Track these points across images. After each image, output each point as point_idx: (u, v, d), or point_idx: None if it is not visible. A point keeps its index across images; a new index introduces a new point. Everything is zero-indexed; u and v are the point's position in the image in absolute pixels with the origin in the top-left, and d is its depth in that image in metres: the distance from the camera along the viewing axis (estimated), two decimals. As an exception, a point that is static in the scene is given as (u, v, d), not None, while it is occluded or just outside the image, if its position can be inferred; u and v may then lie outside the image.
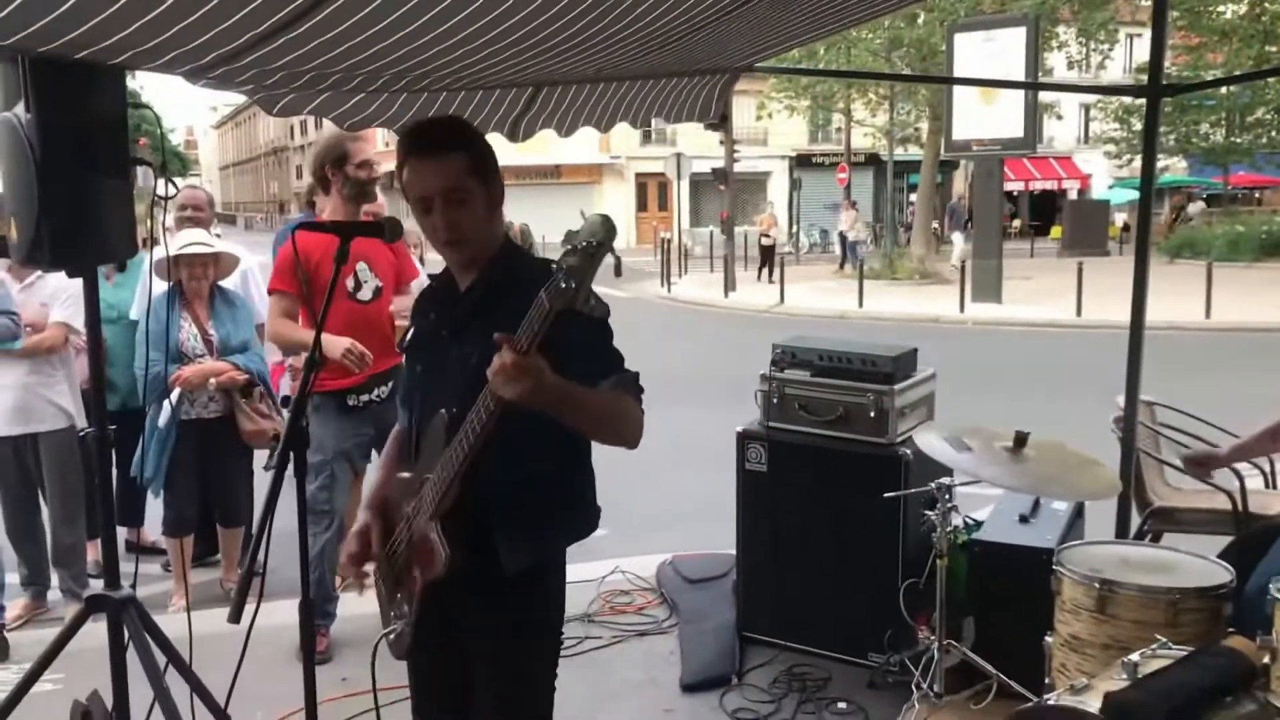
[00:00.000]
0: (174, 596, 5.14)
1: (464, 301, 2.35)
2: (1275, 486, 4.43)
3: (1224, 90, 32.24)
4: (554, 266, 1.82)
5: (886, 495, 3.80)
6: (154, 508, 5.22)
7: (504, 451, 2.13)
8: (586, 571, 5.10)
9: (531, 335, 1.87)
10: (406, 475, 2.40)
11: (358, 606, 4.36)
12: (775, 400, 4.23)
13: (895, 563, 3.98)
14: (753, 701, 3.89)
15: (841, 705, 3.84)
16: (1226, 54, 28.17)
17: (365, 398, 4.32)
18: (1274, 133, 33.54)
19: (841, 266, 27.54)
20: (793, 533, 4.20)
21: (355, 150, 4.39)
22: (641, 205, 41.58)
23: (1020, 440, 3.33)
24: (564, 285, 1.79)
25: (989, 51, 19.17)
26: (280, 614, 3.80)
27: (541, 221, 26.88)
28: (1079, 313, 16.90)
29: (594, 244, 1.80)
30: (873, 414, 4.04)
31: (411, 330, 2.54)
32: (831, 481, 4.11)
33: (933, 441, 3.42)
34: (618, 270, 1.93)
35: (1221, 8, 28.39)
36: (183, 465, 4.91)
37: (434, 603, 2.29)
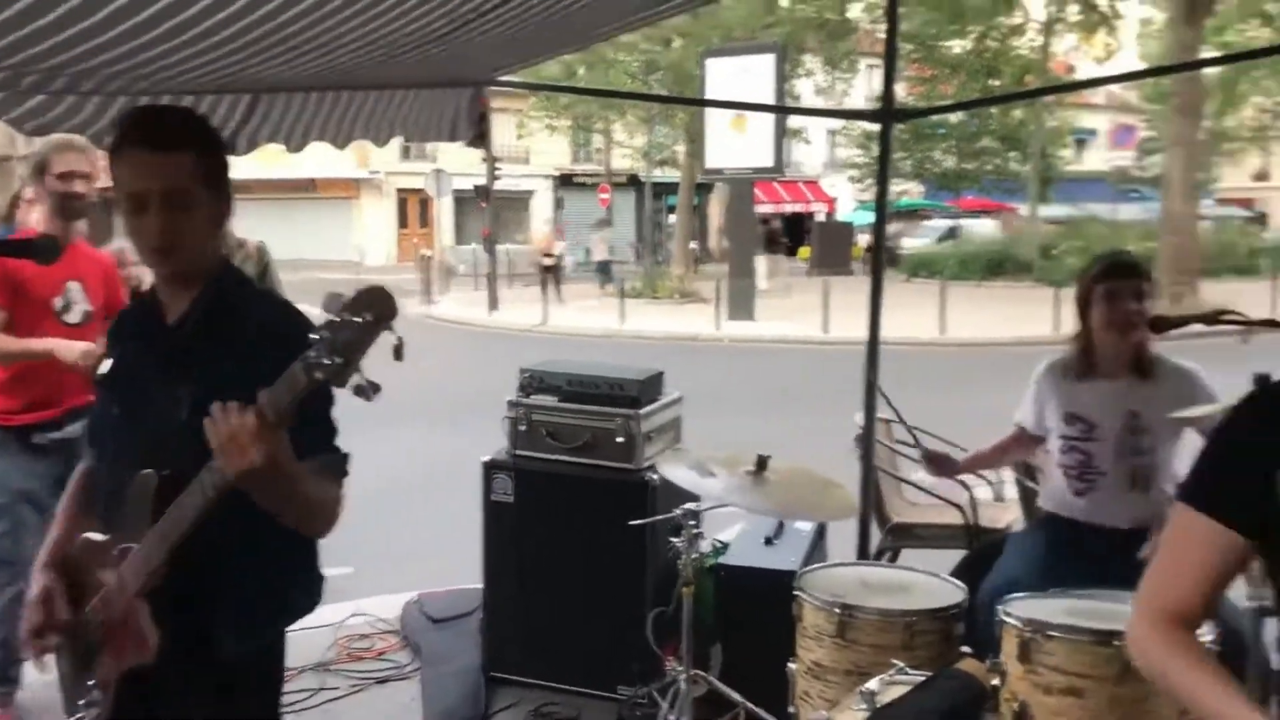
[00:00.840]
0: None
1: (174, 335, 2.02)
2: (1003, 499, 4.62)
3: (954, 119, 34.65)
4: (313, 335, 1.54)
5: (632, 523, 3.69)
6: None
7: (223, 524, 1.80)
8: (324, 616, 4.74)
9: (278, 409, 1.60)
10: (98, 538, 2.04)
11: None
12: (522, 427, 4.06)
13: (643, 592, 3.88)
14: (499, 746, 3.69)
15: (591, 743, 3.70)
16: (956, 86, 30.26)
17: (55, 435, 3.84)
18: (998, 160, 36.31)
19: (602, 286, 27.79)
20: (540, 565, 4.04)
21: (55, 160, 3.91)
22: (403, 222, 40.63)
23: (762, 464, 3.30)
24: (328, 361, 1.51)
25: (740, 77, 19.79)
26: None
27: (292, 240, 25.80)
28: (825, 329, 17.64)
29: (367, 319, 1.52)
30: (620, 439, 3.93)
31: (109, 362, 2.18)
32: (579, 511, 3.98)
33: (677, 469, 3.36)
34: (398, 354, 1.65)
35: (950, 43, 30.46)
36: None
37: (133, 692, 1.97)
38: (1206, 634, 2.44)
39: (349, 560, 5.85)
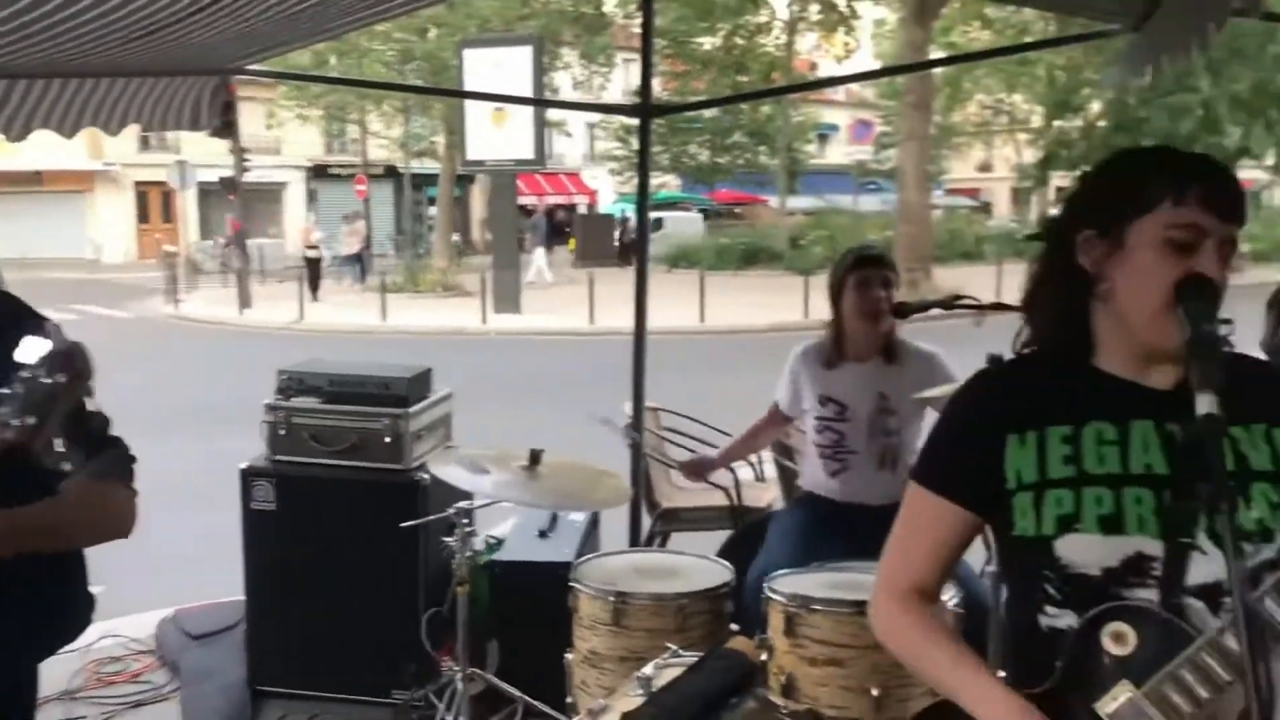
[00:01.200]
0: None
1: None
2: (764, 480, 4.81)
3: (707, 114, 35.71)
4: (3, 391, 1.40)
5: (403, 525, 3.62)
6: None
7: None
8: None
9: None
10: None
11: None
12: (282, 431, 3.90)
13: (416, 594, 3.81)
14: (268, 762, 3.55)
15: (367, 750, 3.61)
16: (708, 82, 31.18)
17: None
18: (749, 154, 37.73)
19: (356, 281, 26.93)
20: (307, 574, 3.89)
21: None
22: (143, 217, 38.17)
23: (535, 458, 3.31)
24: (17, 421, 1.38)
25: (498, 69, 19.66)
26: None
27: (17, 237, 23.82)
28: (592, 320, 17.83)
29: (60, 381, 1.40)
30: (388, 439, 3.84)
31: None
32: (347, 515, 3.86)
33: (448, 468, 3.32)
34: (86, 420, 1.49)
35: (701, 39, 31.34)
36: None
37: None
38: (951, 597, 2.63)
39: (99, 578, 5.48)
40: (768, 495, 4.63)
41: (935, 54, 28.22)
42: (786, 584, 2.67)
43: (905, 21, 21.28)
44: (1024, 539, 1.53)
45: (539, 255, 27.39)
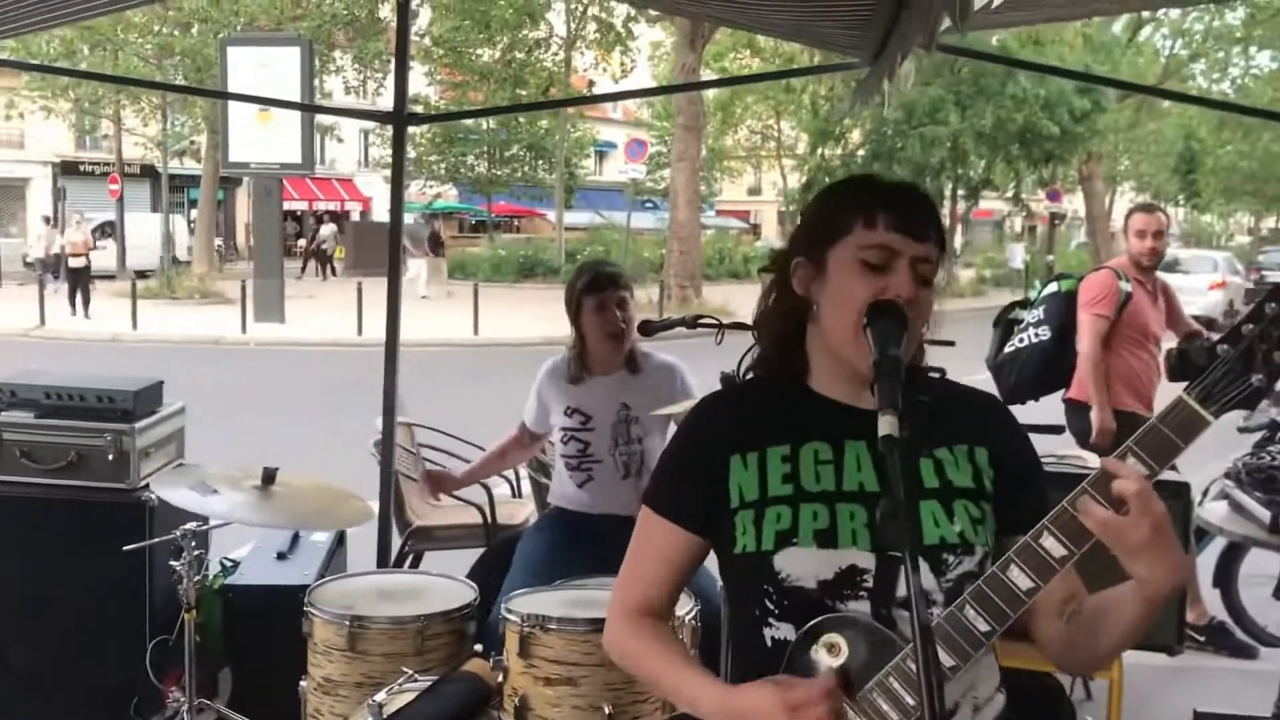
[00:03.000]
0: None
1: None
2: (519, 495, 4.78)
3: (485, 126, 35.54)
4: None
5: (126, 549, 3.38)
6: None
7: None
8: None
9: None
10: None
11: None
12: (-11, 449, 3.59)
13: (143, 622, 3.57)
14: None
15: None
16: (486, 93, 31.02)
17: None
18: (528, 168, 37.80)
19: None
20: (20, 604, 3.59)
21: None
22: None
23: (269, 477, 3.16)
24: None
25: (264, 69, 18.91)
26: None
27: None
28: (360, 331, 17.33)
29: None
30: (111, 457, 3.59)
31: None
32: (65, 539, 3.58)
33: (175, 489, 3.12)
34: None
35: (479, 51, 31.19)
36: None
37: None
38: (689, 611, 2.67)
39: None
40: (523, 512, 4.59)
41: (706, 76, 29.17)
42: (523, 604, 2.64)
43: (679, 45, 21.83)
44: (745, 555, 1.56)
45: (419, 265, 25.64)
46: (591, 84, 35.91)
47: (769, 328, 1.67)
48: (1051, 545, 1.37)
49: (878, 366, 1.41)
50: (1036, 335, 5.03)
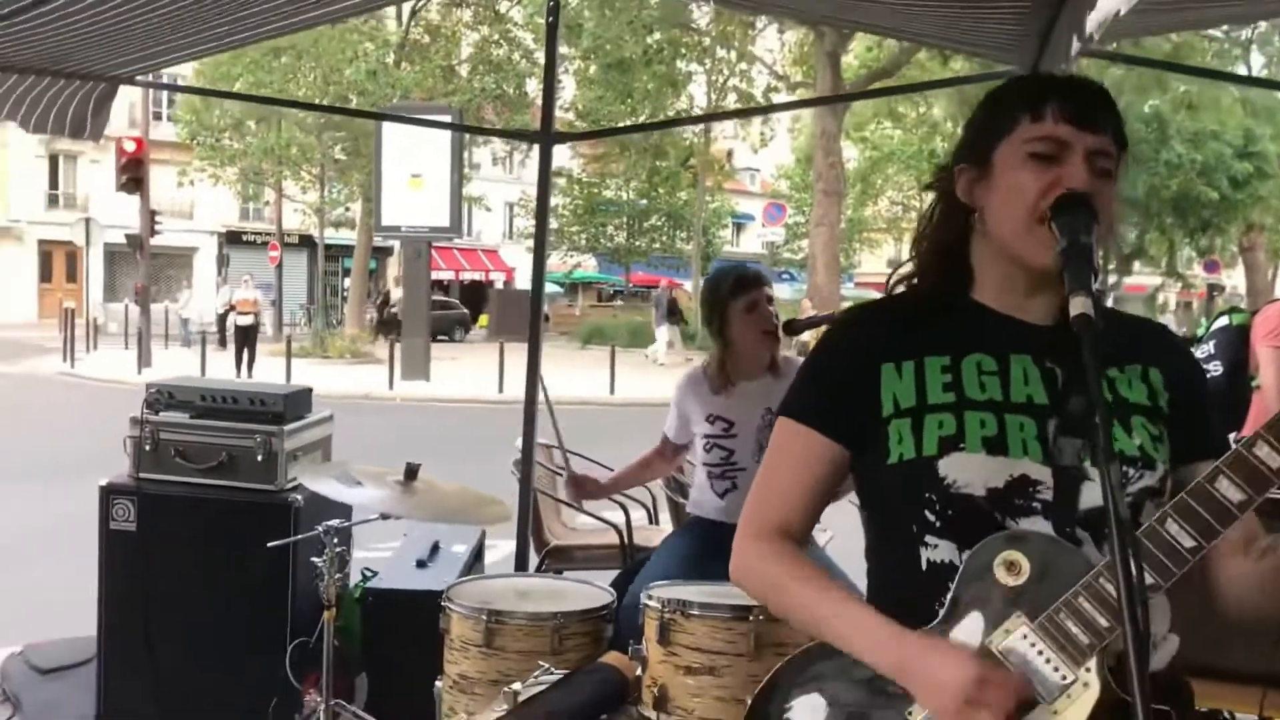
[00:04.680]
0: None
1: None
2: (657, 522, 4.69)
3: (625, 198, 36.21)
4: None
5: (271, 544, 3.42)
6: None
7: None
8: (-98, 675, 4.13)
9: None
10: None
11: None
12: (148, 447, 3.70)
13: (284, 623, 3.60)
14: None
15: (217, 790, 3.36)
16: (627, 163, 31.62)
17: None
18: (665, 237, 38.24)
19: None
20: (168, 599, 3.66)
21: None
22: (46, 276, 37.19)
23: (412, 473, 3.17)
24: None
25: (417, 139, 19.65)
26: None
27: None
28: (501, 389, 17.64)
29: None
30: (260, 458, 3.66)
31: None
32: (214, 537, 3.65)
33: (320, 481, 3.16)
34: None
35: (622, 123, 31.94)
36: None
37: None
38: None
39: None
40: (660, 537, 4.49)
41: (849, 147, 29.09)
42: (663, 591, 2.55)
43: (819, 112, 21.85)
44: (903, 463, 1.45)
45: (661, 332, 26.01)
46: (730, 154, 36.26)
47: (930, 238, 1.58)
48: (1267, 454, 1.24)
49: (1067, 253, 1.32)
50: (1206, 371, 4.75)
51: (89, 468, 3.86)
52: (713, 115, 25.20)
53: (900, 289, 1.62)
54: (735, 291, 3.36)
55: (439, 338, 27.03)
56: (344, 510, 3.48)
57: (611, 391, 18.22)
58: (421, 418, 15.47)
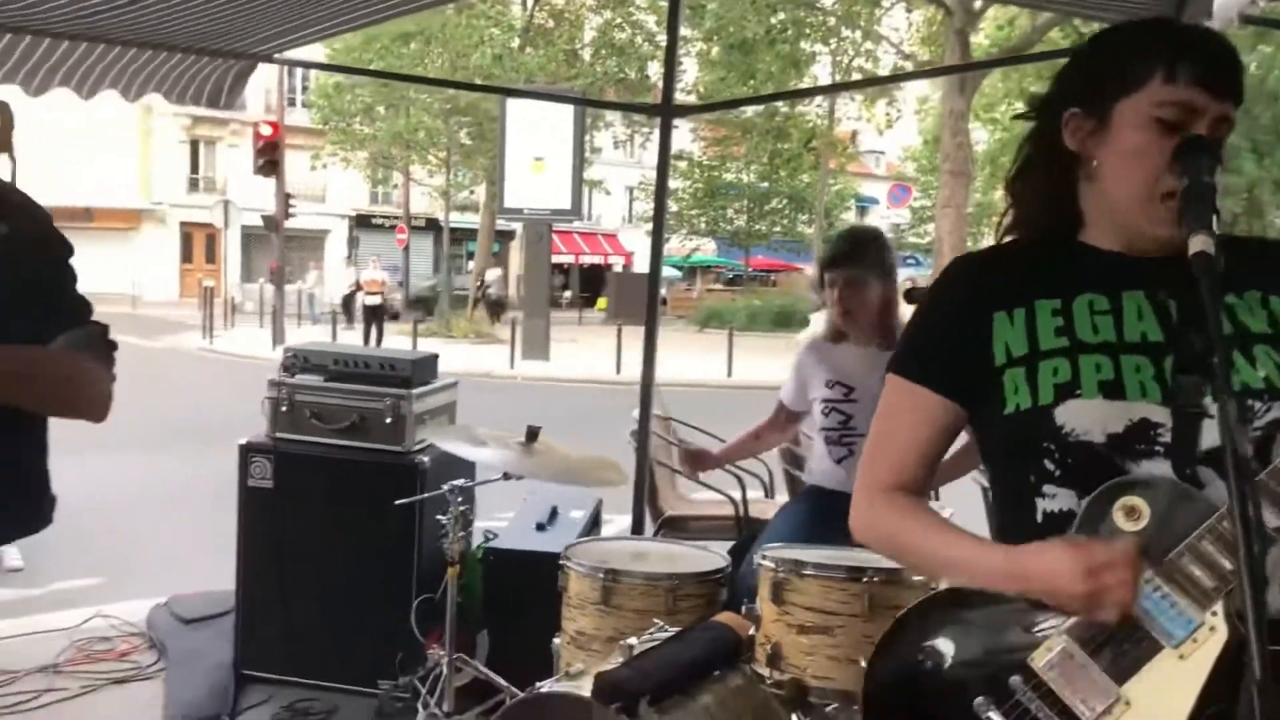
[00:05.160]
0: None
1: None
2: (773, 496, 4.70)
3: (745, 180, 35.97)
4: None
5: (398, 502, 3.55)
6: None
7: None
8: (60, 619, 4.41)
9: None
10: None
11: None
12: (284, 408, 3.87)
13: (409, 580, 3.73)
14: (245, 742, 3.45)
15: (345, 736, 3.51)
16: (748, 146, 31.41)
17: None
18: (786, 220, 37.86)
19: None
20: (301, 555, 3.83)
21: None
22: (187, 257, 38.81)
23: (532, 434, 3.26)
24: None
25: (540, 121, 19.94)
26: None
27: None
28: (618, 370, 17.80)
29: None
30: (389, 420, 3.79)
31: None
32: (345, 495, 3.80)
33: (449, 440, 3.28)
34: None
35: (743, 109, 31.68)
36: None
37: None
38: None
39: (99, 571, 5.44)
40: (775, 509, 4.51)
41: (978, 129, 28.30)
42: (777, 552, 2.57)
43: (947, 92, 21.34)
44: (1019, 413, 1.43)
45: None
46: (855, 135, 35.72)
47: (1032, 185, 1.54)
48: None
49: (1187, 193, 1.29)
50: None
51: (228, 435, 4.06)
52: (838, 86, 24.76)
53: (1008, 239, 1.58)
54: (826, 264, 3.42)
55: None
56: (467, 473, 3.60)
57: (729, 374, 18.21)
58: (541, 396, 15.72)
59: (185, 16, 3.61)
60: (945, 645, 1.46)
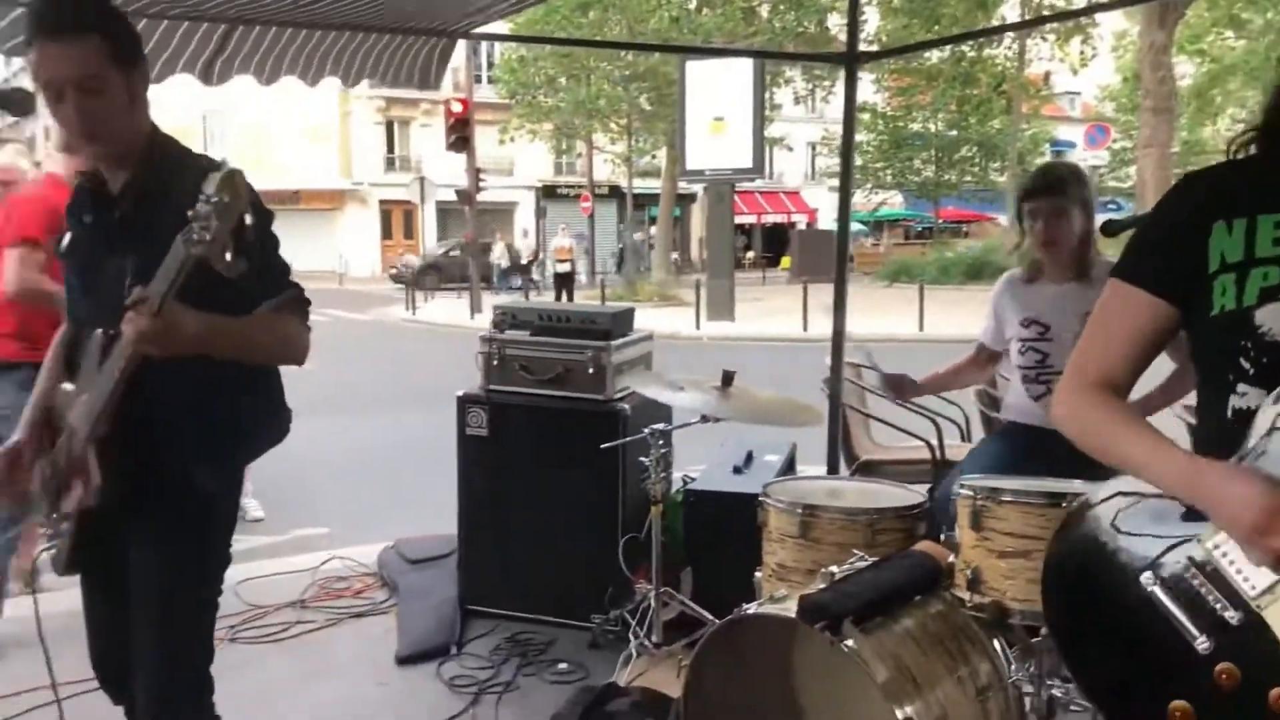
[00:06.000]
0: None
1: (115, 208, 2.10)
2: (969, 439, 4.69)
3: (933, 129, 34.94)
4: (189, 213, 1.70)
5: (604, 446, 3.76)
6: None
7: (170, 370, 1.92)
8: (302, 561, 4.84)
9: (167, 286, 1.76)
10: (69, 388, 2.17)
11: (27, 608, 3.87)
12: (495, 362, 4.12)
13: (615, 520, 3.94)
14: (471, 669, 3.73)
15: (562, 665, 3.75)
16: (934, 94, 30.49)
17: None
18: (977, 169, 36.59)
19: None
20: (515, 498, 4.09)
21: None
22: (386, 233, 40.69)
23: (728, 379, 3.40)
24: (197, 236, 1.70)
25: (719, 81, 19.97)
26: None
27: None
28: (805, 328, 17.76)
29: (224, 200, 1.69)
30: (591, 371, 4.00)
31: (68, 235, 2.27)
32: (552, 442, 4.03)
33: (649, 385, 3.45)
34: (246, 232, 1.79)
35: (927, 54, 30.78)
36: None
37: (94, 525, 2.10)
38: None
39: (326, 522, 5.92)
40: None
41: (1182, 63, 26.58)
42: (976, 481, 2.62)
43: (1146, 25, 20.19)
44: (1223, 314, 1.51)
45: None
46: (1048, 75, 34.19)
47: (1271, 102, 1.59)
48: None
49: None
50: None
51: (438, 396, 4.35)
52: (1030, 22, 23.76)
53: (1240, 155, 1.64)
54: (1023, 196, 3.39)
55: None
56: (664, 420, 3.78)
57: (920, 328, 17.88)
58: (727, 355, 15.75)
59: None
60: (1116, 526, 1.57)
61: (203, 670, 2.21)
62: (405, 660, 3.83)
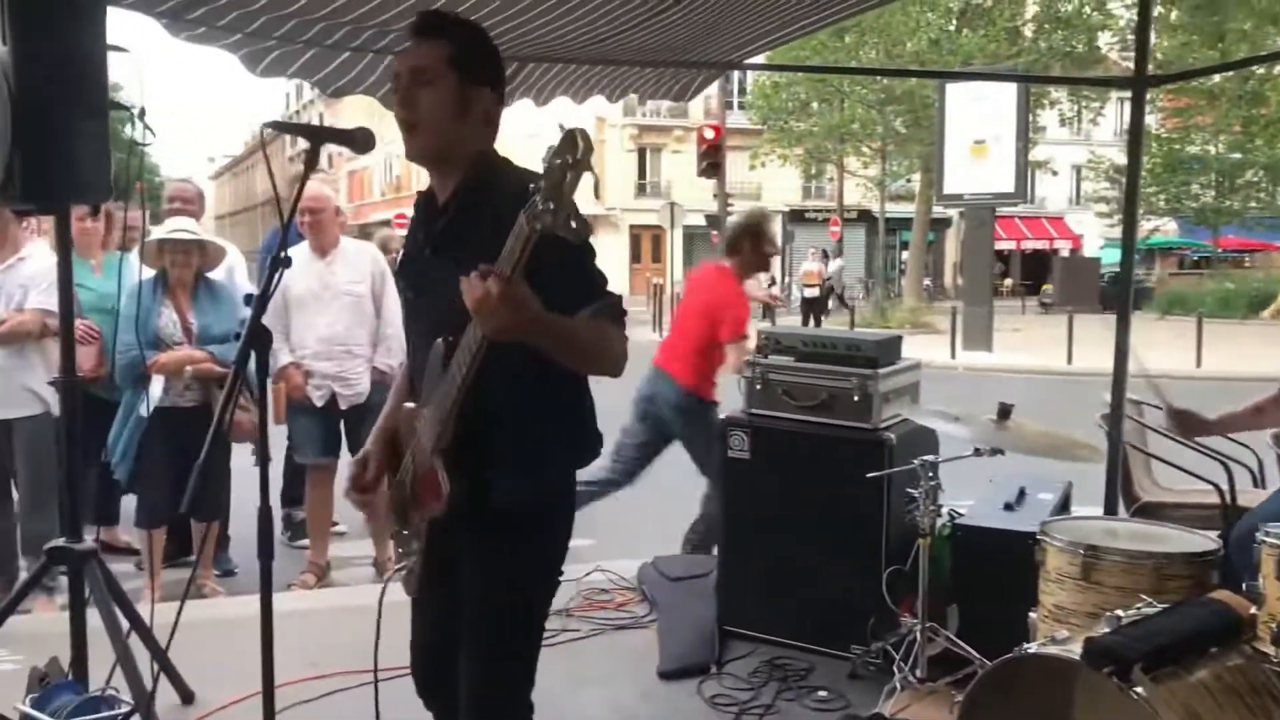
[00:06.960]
0: (145, 592, 5.01)
1: (441, 217, 2.22)
2: (1264, 485, 4.37)
3: (1214, 151, 32.64)
4: (530, 187, 1.71)
5: (870, 475, 3.74)
6: (127, 509, 5.14)
7: (504, 380, 2.04)
8: (569, 571, 5.03)
9: (513, 263, 1.77)
10: (411, 406, 2.29)
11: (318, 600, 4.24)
12: (758, 386, 4.18)
13: (879, 550, 3.89)
14: (731, 689, 3.79)
15: (822, 693, 3.74)
16: (1215, 115, 28.51)
17: None
18: (1264, 194, 33.85)
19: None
20: (775, 522, 4.12)
21: None
22: (635, 257, 41.73)
23: (1004, 412, 3.32)
24: (541, 207, 1.69)
25: (980, 104, 19.41)
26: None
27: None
28: (1070, 361, 16.92)
29: (569, 161, 1.69)
30: (856, 399, 3.98)
31: (402, 253, 2.46)
32: (814, 468, 4.04)
33: (922, 415, 3.42)
34: (596, 191, 1.84)
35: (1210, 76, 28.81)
36: (156, 454, 4.79)
37: (439, 538, 2.21)
38: None
39: (590, 533, 6.12)
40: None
41: None
42: (1282, 528, 2.46)
43: None
44: None
45: None
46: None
47: None
48: None
49: None
50: None
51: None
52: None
53: None
54: None
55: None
56: (930, 451, 3.71)
57: (1198, 364, 16.70)
58: (985, 386, 15.32)
59: (663, 33, 4.01)
60: None
61: (523, 693, 2.29)
62: (666, 675, 3.93)
